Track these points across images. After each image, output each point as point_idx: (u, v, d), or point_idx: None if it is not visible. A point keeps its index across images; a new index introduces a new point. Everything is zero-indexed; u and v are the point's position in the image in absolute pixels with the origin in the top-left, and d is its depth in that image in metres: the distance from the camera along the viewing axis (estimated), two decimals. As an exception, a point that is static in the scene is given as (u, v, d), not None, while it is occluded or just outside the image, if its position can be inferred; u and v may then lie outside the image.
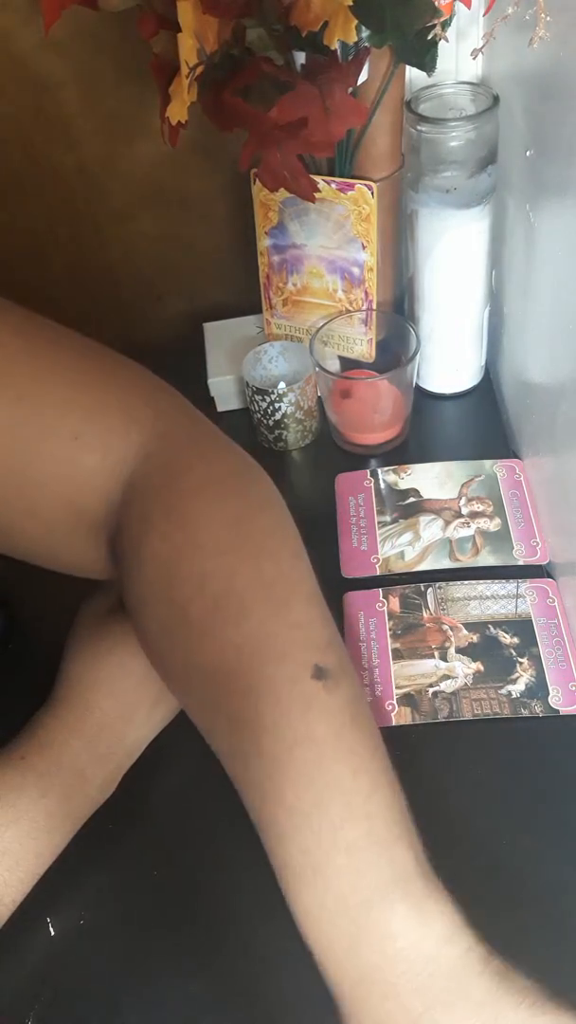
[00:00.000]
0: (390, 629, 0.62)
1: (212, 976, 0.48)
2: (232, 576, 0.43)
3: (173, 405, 0.50)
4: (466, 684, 0.58)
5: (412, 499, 0.70)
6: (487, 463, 0.71)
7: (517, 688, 0.57)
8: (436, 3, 0.56)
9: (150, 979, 0.48)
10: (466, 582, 0.63)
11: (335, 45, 0.56)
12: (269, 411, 0.72)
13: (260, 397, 0.72)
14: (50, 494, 0.47)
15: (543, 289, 0.61)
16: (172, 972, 0.48)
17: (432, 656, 0.60)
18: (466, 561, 0.65)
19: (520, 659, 0.59)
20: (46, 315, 0.64)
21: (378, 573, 0.65)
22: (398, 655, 0.60)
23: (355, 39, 0.56)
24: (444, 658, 0.60)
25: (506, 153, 0.65)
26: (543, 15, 0.48)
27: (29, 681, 0.62)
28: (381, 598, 0.64)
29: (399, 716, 0.57)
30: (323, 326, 0.74)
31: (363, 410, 0.73)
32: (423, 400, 0.77)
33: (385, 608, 0.63)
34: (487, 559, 0.65)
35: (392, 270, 0.77)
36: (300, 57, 0.61)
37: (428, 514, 0.69)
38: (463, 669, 0.59)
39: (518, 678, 0.58)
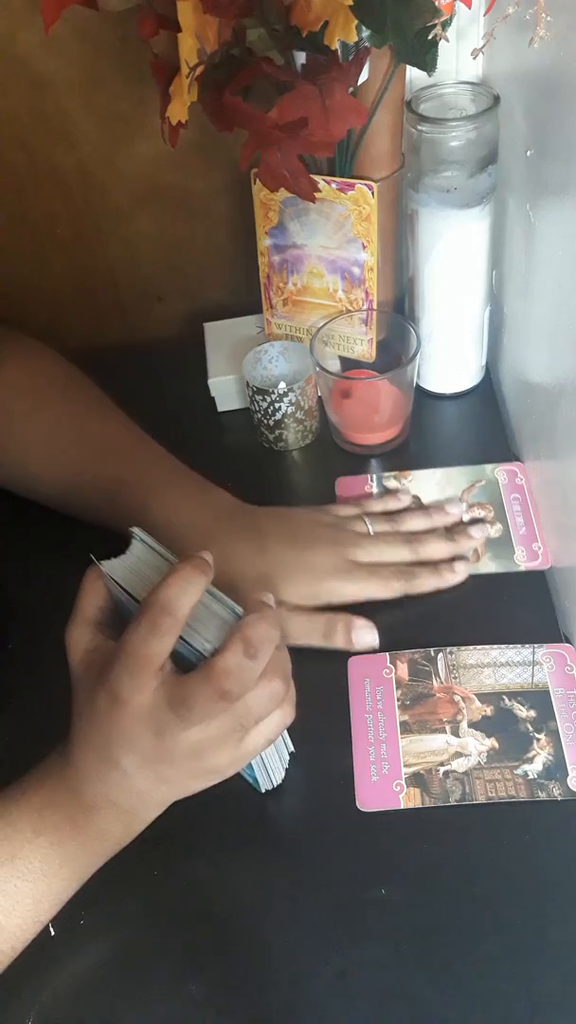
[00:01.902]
0: (398, 699, 0.58)
1: (212, 976, 0.48)
2: None
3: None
4: (479, 763, 0.54)
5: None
6: (488, 468, 0.71)
7: (534, 768, 0.53)
8: (436, 3, 0.56)
9: (150, 979, 0.48)
10: (479, 647, 0.59)
11: (335, 45, 0.56)
12: (269, 411, 0.72)
13: (260, 397, 0.72)
14: None
15: (543, 289, 0.61)
16: (172, 972, 0.48)
17: (443, 731, 0.56)
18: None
19: (537, 735, 0.55)
20: (46, 315, 0.64)
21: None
22: (407, 728, 0.56)
23: (355, 39, 0.56)
24: (456, 733, 0.56)
25: (506, 153, 0.65)
26: (543, 15, 0.48)
27: (29, 681, 0.62)
28: (388, 664, 0.59)
29: (408, 798, 0.53)
30: (323, 326, 0.74)
31: (363, 410, 0.73)
32: (423, 400, 0.77)
33: (393, 675, 0.59)
34: (488, 566, 0.65)
35: (392, 270, 0.77)
36: (300, 57, 0.61)
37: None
38: (476, 746, 0.55)
39: (535, 756, 0.54)
